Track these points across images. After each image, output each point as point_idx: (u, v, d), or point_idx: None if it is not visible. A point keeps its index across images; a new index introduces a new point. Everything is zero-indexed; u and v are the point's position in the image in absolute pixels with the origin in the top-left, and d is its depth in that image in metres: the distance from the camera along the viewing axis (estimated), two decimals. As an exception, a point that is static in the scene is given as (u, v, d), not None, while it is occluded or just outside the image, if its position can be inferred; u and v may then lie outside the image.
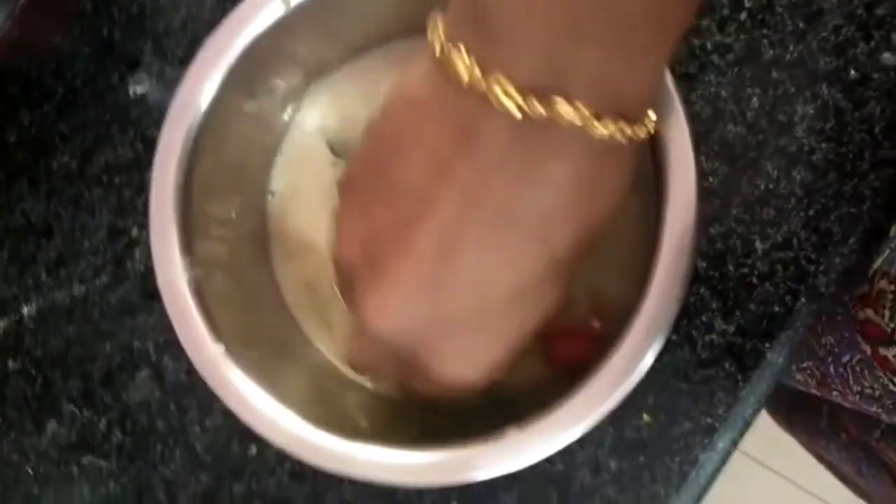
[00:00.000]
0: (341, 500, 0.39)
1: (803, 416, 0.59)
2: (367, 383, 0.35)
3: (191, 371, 0.42)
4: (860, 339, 0.39)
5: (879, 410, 0.42)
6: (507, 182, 0.20)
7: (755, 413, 0.34)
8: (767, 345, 0.34)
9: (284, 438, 0.30)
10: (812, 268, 0.34)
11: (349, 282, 0.24)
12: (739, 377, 0.34)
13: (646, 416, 0.35)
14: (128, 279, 0.42)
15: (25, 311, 0.44)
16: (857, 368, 0.41)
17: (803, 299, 0.34)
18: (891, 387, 0.39)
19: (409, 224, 0.21)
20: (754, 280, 0.35)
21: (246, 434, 0.41)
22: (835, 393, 0.47)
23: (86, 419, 0.42)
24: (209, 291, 0.31)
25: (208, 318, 0.31)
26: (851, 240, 0.34)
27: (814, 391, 0.50)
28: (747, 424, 0.34)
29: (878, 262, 0.39)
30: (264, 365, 0.32)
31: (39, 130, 0.44)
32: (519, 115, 0.19)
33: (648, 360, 0.26)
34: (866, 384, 0.41)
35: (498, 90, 0.19)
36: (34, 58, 0.44)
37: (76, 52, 0.44)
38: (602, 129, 0.19)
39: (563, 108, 0.19)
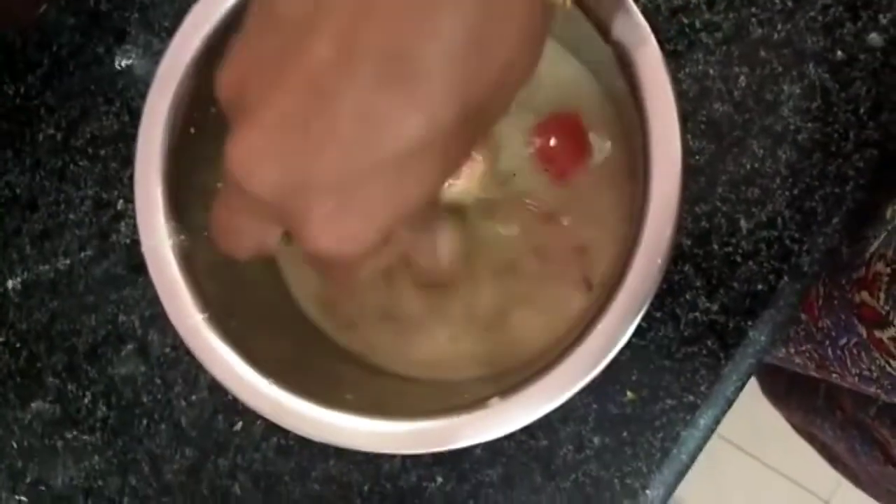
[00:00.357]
0: (327, 475, 0.39)
1: (800, 395, 0.59)
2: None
3: (176, 346, 0.42)
4: (856, 322, 0.40)
5: (878, 391, 0.43)
6: (391, 24, 0.18)
7: (737, 391, 0.35)
8: (750, 323, 0.34)
9: (268, 406, 0.30)
10: (796, 247, 0.34)
11: (228, 112, 0.21)
12: (722, 355, 0.34)
13: (629, 393, 0.35)
14: (113, 252, 0.42)
15: (10, 284, 0.43)
16: (855, 351, 0.42)
17: (786, 278, 0.34)
18: (888, 368, 0.39)
19: (283, 59, 0.19)
20: (738, 259, 0.35)
21: (231, 409, 0.41)
22: (834, 375, 0.47)
23: (70, 393, 0.42)
24: (195, 260, 0.31)
25: (194, 286, 0.31)
26: (835, 220, 0.34)
27: (813, 373, 0.51)
28: (729, 402, 0.35)
29: (875, 245, 0.39)
30: (249, 333, 0.32)
31: (24, 102, 0.43)
32: None
33: (629, 330, 0.26)
34: (864, 366, 0.42)
35: None
36: (18, 27, 0.43)
37: (62, 22, 0.43)
38: None
39: None
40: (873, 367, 0.41)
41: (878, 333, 0.37)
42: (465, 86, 0.19)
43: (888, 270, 0.35)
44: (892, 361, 0.38)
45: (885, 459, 0.49)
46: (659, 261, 0.25)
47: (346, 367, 0.35)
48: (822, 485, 1.09)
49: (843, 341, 0.43)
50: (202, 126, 0.32)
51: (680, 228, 0.26)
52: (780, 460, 1.11)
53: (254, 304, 0.35)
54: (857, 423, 0.52)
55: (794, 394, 0.60)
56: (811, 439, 0.62)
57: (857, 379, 0.44)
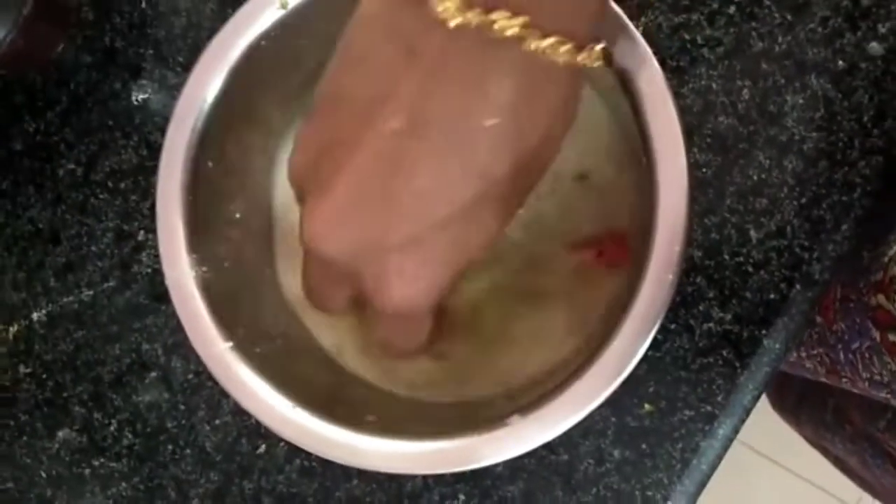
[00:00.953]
0: (350, 497, 0.40)
1: (809, 409, 0.59)
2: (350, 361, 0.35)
3: (199, 372, 0.42)
4: (871, 326, 0.40)
5: (888, 395, 0.43)
6: (447, 97, 0.20)
7: (754, 400, 0.35)
8: (764, 332, 0.35)
9: (293, 431, 0.31)
10: (806, 255, 0.35)
11: (299, 204, 0.24)
12: (737, 364, 0.35)
13: (647, 405, 0.35)
14: (135, 282, 0.43)
15: (35, 316, 0.44)
16: (867, 355, 0.42)
17: (798, 286, 0.35)
18: None
19: (352, 139, 0.21)
20: (749, 268, 0.35)
21: (254, 432, 0.42)
22: (844, 380, 0.47)
23: (97, 422, 0.43)
24: (217, 289, 0.32)
25: (216, 316, 0.32)
26: (844, 227, 0.35)
27: (823, 379, 0.51)
28: (747, 411, 0.35)
29: (894, 249, 0.40)
30: (271, 361, 0.32)
31: (44, 138, 0.44)
32: (454, 22, 0.19)
33: (645, 345, 0.27)
34: (875, 371, 0.42)
35: None
36: (37, 67, 0.44)
37: (79, 61, 0.44)
38: (539, 42, 0.20)
39: (497, 14, 0.19)
40: (885, 372, 0.41)
41: (891, 337, 0.38)
42: (518, 141, 0.21)
43: None
44: None
45: None
46: (670, 276, 0.26)
47: (366, 391, 0.35)
48: (848, 492, 1.08)
49: (855, 345, 0.43)
50: (220, 160, 0.33)
51: (690, 241, 0.27)
52: (804, 465, 1.11)
53: (274, 333, 0.35)
54: (867, 437, 0.52)
55: (803, 408, 0.60)
56: (825, 452, 0.62)
57: (867, 384, 0.44)
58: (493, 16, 0.19)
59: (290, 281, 0.37)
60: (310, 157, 0.22)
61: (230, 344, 0.32)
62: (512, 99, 0.21)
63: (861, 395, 0.48)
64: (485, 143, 0.21)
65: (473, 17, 0.19)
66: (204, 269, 0.32)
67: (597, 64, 0.21)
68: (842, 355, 0.45)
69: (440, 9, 0.19)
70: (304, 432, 0.31)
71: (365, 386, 0.36)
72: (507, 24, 0.19)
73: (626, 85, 0.27)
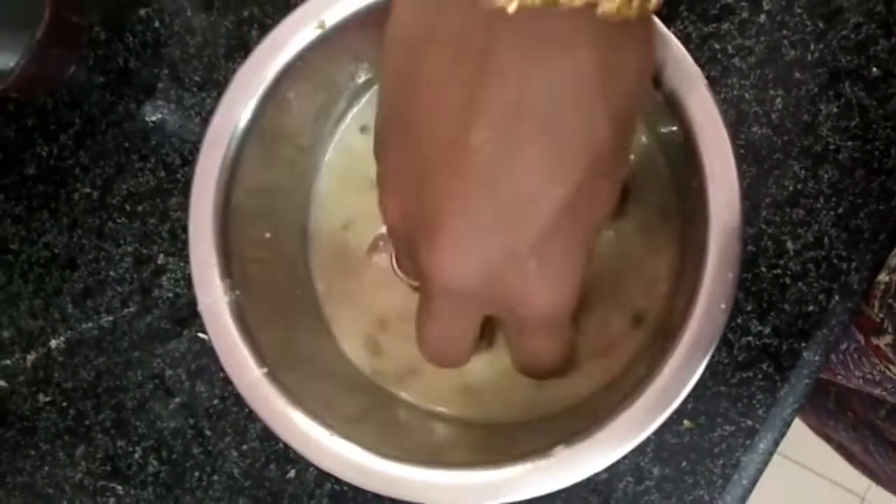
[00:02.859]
0: (382, 519, 0.39)
1: (811, 398, 0.59)
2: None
3: (224, 397, 0.42)
4: (854, 329, 0.40)
5: (883, 393, 0.43)
6: (531, 88, 0.20)
7: (794, 413, 0.35)
8: (804, 344, 0.34)
9: (333, 463, 0.30)
10: (844, 265, 0.34)
11: (407, 248, 0.23)
12: (777, 378, 0.34)
13: (686, 422, 0.35)
14: (156, 307, 0.42)
15: (53, 343, 0.44)
16: (855, 356, 0.42)
17: (837, 297, 0.34)
18: (888, 373, 0.39)
19: (450, 168, 0.21)
20: (787, 280, 0.35)
21: (283, 457, 0.41)
22: (839, 377, 0.47)
23: (120, 450, 0.42)
24: (249, 314, 0.31)
25: (250, 341, 0.31)
26: (882, 236, 0.34)
27: (821, 375, 0.51)
28: (787, 425, 0.35)
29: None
30: (305, 385, 0.32)
31: (58, 162, 0.44)
32: (513, 7, 0.18)
33: (696, 376, 0.26)
34: (865, 370, 0.42)
35: None
36: (49, 89, 0.44)
37: (91, 82, 0.44)
38: (607, 4, 0.19)
39: None
40: (875, 372, 0.41)
41: (875, 340, 0.37)
42: (614, 100, 0.21)
43: (886, 279, 0.35)
44: (891, 367, 0.38)
45: None
46: (722, 305, 0.25)
47: (404, 412, 0.35)
48: (855, 482, 1.08)
49: (843, 346, 0.43)
50: (250, 182, 0.33)
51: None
52: (811, 457, 1.11)
53: (308, 355, 0.35)
54: (868, 425, 0.52)
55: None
56: (828, 440, 0.62)
57: (861, 381, 0.44)
58: None
59: (327, 303, 0.36)
60: (404, 205, 0.22)
61: (265, 370, 0.31)
62: (599, 65, 0.20)
63: (860, 387, 0.48)
64: (582, 117, 0.20)
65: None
66: (237, 293, 0.32)
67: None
68: (832, 356, 0.45)
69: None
70: (342, 462, 0.31)
71: (402, 407, 0.35)
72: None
73: (673, 107, 0.26)
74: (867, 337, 0.39)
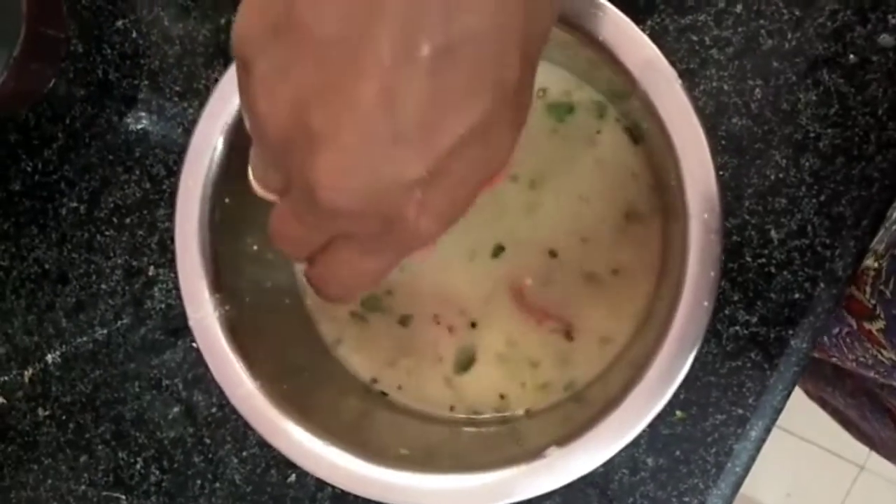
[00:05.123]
0: (383, 519, 0.40)
1: (810, 366, 0.60)
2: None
3: (223, 404, 0.42)
4: (846, 314, 0.40)
5: (876, 376, 0.43)
6: (445, 12, 0.19)
7: (784, 399, 0.35)
8: (791, 332, 0.35)
9: (329, 471, 0.31)
10: (828, 253, 0.35)
11: (282, 156, 0.21)
12: (766, 366, 0.35)
13: (678, 412, 0.35)
14: (149, 318, 0.42)
15: (49, 358, 0.44)
16: (848, 340, 0.42)
17: (822, 284, 0.35)
18: (880, 357, 0.40)
19: (345, 79, 0.19)
20: (773, 269, 0.35)
21: (283, 462, 0.42)
22: (834, 359, 0.48)
23: (122, 461, 0.43)
24: (240, 327, 0.32)
25: (242, 355, 0.32)
26: (864, 222, 0.35)
27: (815, 355, 0.51)
28: (777, 411, 0.35)
29: (872, 241, 0.40)
30: (299, 395, 0.32)
31: (43, 177, 0.44)
32: None
33: (682, 373, 0.27)
34: (858, 353, 0.42)
35: None
36: (30, 104, 0.43)
37: (72, 95, 0.43)
38: None
39: None
40: (867, 355, 0.41)
41: (867, 325, 0.38)
42: (525, 34, 0.20)
43: (875, 265, 0.35)
44: (883, 351, 0.39)
45: (895, 426, 0.50)
46: (705, 303, 0.26)
47: (397, 416, 0.35)
48: (855, 451, 1.09)
49: (836, 330, 0.44)
50: (235, 194, 0.33)
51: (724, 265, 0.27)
52: (807, 427, 1.12)
53: (300, 365, 0.35)
54: (865, 391, 0.53)
55: None
56: (823, 404, 0.63)
57: (854, 364, 0.44)
58: None
59: (316, 312, 0.36)
60: (287, 111, 0.20)
61: (258, 383, 0.32)
62: (524, 4, 0.19)
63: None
64: (497, 54, 0.20)
65: None
66: (227, 307, 0.32)
67: None
68: (826, 339, 0.46)
69: None
70: (338, 471, 0.31)
71: (395, 410, 0.36)
72: None
73: (649, 109, 0.26)
74: (860, 322, 0.39)
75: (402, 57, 0.19)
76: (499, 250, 0.35)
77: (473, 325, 0.35)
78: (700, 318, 0.26)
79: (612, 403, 0.27)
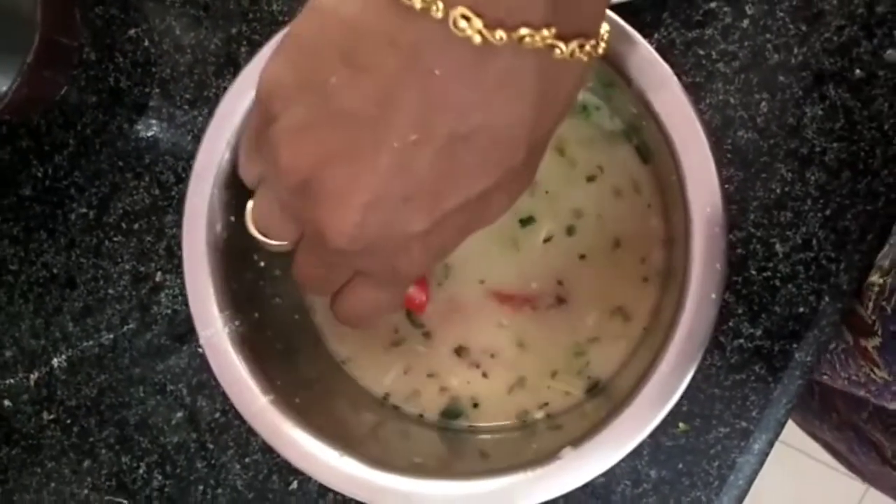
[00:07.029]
0: (385, 527, 0.40)
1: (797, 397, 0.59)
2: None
3: (226, 410, 0.42)
4: (845, 329, 0.40)
5: (867, 395, 0.43)
6: (464, 105, 0.21)
7: (787, 413, 0.35)
8: (795, 345, 0.35)
9: (345, 483, 0.31)
10: (833, 266, 0.35)
11: (294, 199, 0.24)
12: (770, 379, 0.35)
13: (681, 425, 0.35)
14: (155, 324, 0.43)
15: (55, 362, 0.44)
16: (842, 356, 0.42)
17: (827, 298, 0.35)
18: (872, 375, 0.40)
19: (369, 146, 0.22)
20: (777, 283, 0.35)
21: (286, 468, 0.42)
22: (824, 377, 0.48)
23: (125, 465, 0.43)
24: (251, 343, 0.32)
25: (254, 370, 0.32)
26: (869, 236, 0.35)
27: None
28: (781, 425, 0.35)
29: (878, 256, 0.40)
30: (312, 408, 0.32)
31: (54, 183, 0.44)
32: (479, 40, 0.19)
33: (691, 371, 0.27)
34: (851, 371, 0.42)
35: (457, 15, 0.19)
36: (42, 111, 0.44)
37: (84, 101, 0.44)
38: (564, 49, 0.20)
39: (525, 30, 0.19)
40: (860, 374, 0.41)
41: (863, 342, 0.38)
42: (536, 131, 0.22)
43: (880, 282, 0.35)
44: (875, 370, 0.39)
45: (881, 460, 0.49)
46: (713, 295, 0.26)
47: (409, 425, 0.35)
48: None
49: (831, 346, 0.43)
50: (241, 211, 0.33)
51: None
52: (814, 446, 1.11)
53: (311, 378, 0.35)
54: (851, 426, 0.52)
55: None
56: (814, 437, 0.63)
57: (846, 382, 0.44)
58: (521, 31, 0.19)
59: (325, 324, 0.36)
60: (308, 164, 0.22)
61: (270, 397, 0.32)
62: (535, 101, 0.21)
63: (843, 387, 0.48)
64: (505, 141, 0.22)
65: (500, 37, 0.19)
66: (236, 323, 0.32)
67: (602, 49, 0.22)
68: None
69: (461, 28, 0.19)
70: (353, 482, 0.31)
71: (407, 420, 0.36)
72: (536, 40, 0.20)
73: (647, 106, 0.27)
74: (857, 338, 0.39)
75: (423, 137, 0.21)
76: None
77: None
78: (708, 313, 0.26)
79: (612, 413, 0.27)
